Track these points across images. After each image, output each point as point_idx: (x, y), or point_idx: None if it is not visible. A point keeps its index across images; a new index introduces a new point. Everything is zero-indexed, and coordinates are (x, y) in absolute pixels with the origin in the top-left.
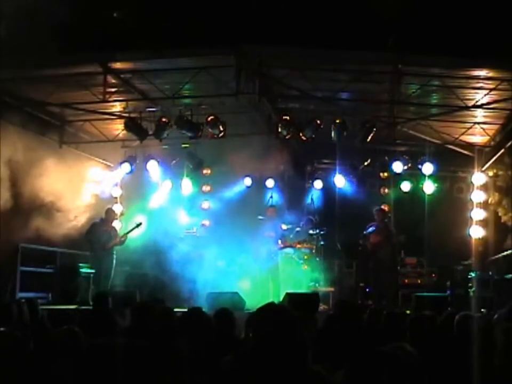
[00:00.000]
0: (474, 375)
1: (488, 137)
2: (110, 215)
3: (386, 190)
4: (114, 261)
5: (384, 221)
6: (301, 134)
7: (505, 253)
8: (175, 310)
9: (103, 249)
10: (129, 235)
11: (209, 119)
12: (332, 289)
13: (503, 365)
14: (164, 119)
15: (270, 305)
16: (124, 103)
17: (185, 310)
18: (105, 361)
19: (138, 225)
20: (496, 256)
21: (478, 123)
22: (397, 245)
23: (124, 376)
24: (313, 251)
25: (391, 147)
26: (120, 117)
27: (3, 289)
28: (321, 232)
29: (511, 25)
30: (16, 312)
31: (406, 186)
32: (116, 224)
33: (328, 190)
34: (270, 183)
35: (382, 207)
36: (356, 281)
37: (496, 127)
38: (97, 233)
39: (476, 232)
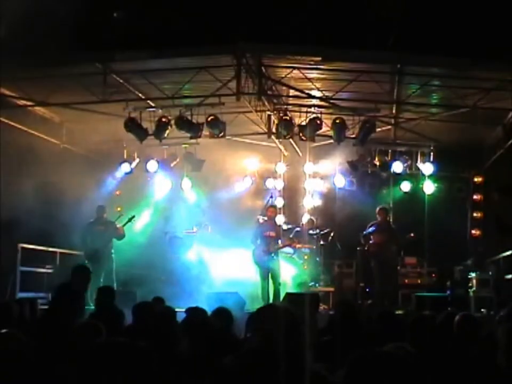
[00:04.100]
0: (474, 375)
1: (488, 137)
2: (100, 212)
3: (386, 190)
4: (114, 262)
5: (387, 220)
6: (301, 134)
7: (505, 253)
8: (176, 310)
9: (102, 248)
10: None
11: (209, 119)
12: (332, 289)
13: (505, 365)
14: (163, 119)
15: (271, 306)
16: (124, 103)
17: (186, 309)
18: (106, 361)
19: (131, 218)
20: (496, 256)
21: (478, 123)
22: (404, 244)
23: (125, 377)
24: (313, 251)
25: (391, 147)
26: (120, 117)
27: (3, 289)
28: (321, 232)
29: (511, 26)
30: (17, 312)
31: (406, 186)
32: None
33: (328, 190)
34: (270, 183)
35: (384, 206)
36: (355, 281)
37: (496, 127)
38: (92, 233)
39: (476, 232)
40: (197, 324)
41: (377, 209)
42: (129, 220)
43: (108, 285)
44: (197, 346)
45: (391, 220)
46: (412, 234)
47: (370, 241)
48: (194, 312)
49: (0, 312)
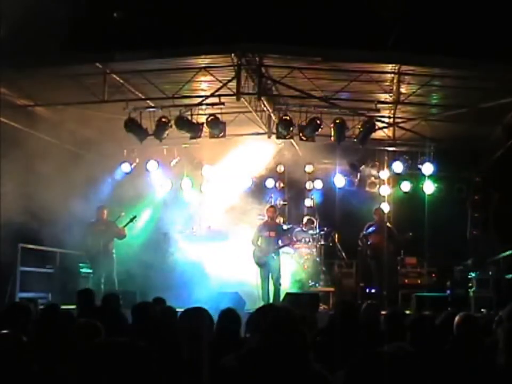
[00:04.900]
0: (474, 375)
1: (488, 137)
2: (101, 212)
3: (386, 190)
4: (115, 263)
5: (384, 220)
6: (301, 134)
7: (505, 253)
8: (176, 309)
9: (103, 248)
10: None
11: (209, 119)
12: (332, 289)
13: (505, 365)
14: (163, 119)
15: (271, 306)
16: (124, 103)
17: (186, 309)
18: (106, 361)
19: (133, 218)
20: (496, 256)
21: (478, 123)
22: (402, 243)
23: (125, 377)
24: (313, 251)
25: (391, 147)
26: (120, 116)
27: (3, 289)
28: (321, 232)
29: (511, 26)
30: (34, 313)
31: (406, 186)
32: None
33: (328, 190)
34: (270, 183)
35: (381, 206)
36: (355, 281)
37: (496, 127)
38: (93, 234)
39: (476, 232)
40: (199, 324)
41: (374, 209)
42: (131, 220)
43: (114, 287)
44: (199, 346)
45: (390, 220)
46: (410, 233)
47: (369, 242)
48: (196, 312)
49: (20, 313)
